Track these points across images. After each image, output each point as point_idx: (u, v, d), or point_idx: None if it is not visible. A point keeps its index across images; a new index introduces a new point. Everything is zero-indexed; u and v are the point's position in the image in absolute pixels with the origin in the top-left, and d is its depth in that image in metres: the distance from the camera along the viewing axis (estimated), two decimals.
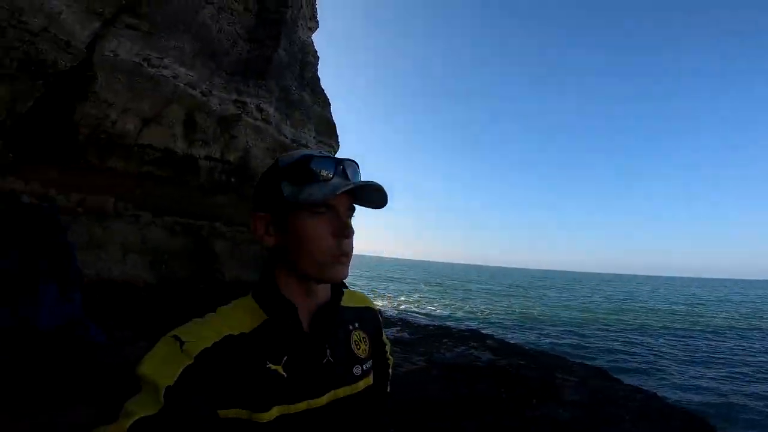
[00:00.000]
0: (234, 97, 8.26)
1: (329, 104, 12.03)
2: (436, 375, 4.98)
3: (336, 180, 0.79)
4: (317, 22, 11.35)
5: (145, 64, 5.86)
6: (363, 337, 0.95)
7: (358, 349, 0.92)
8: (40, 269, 2.72)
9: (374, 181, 0.80)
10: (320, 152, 0.82)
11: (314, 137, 10.88)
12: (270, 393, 0.76)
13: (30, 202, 2.94)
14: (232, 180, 8.23)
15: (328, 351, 0.85)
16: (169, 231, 5.07)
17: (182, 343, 0.68)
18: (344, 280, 0.90)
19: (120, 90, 5.45)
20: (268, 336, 0.79)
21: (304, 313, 0.85)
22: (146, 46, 5.82)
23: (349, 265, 0.83)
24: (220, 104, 7.91)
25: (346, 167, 0.82)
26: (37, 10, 4.32)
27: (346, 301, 0.95)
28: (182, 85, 6.72)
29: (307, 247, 0.79)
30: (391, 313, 15.45)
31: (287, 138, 9.91)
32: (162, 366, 0.65)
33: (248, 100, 8.46)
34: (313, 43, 11.55)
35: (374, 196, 0.83)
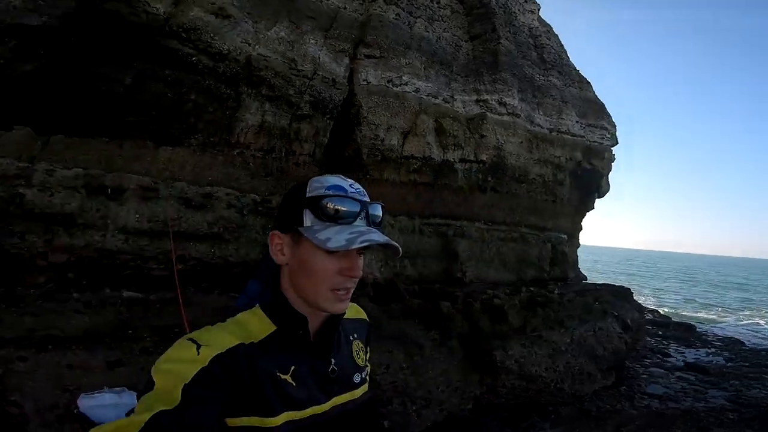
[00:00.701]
0: (474, 97, 8.33)
1: (589, 84, 10.57)
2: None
3: (358, 223, 0.84)
4: (536, 2, 10.67)
5: (390, 85, 6.76)
6: (361, 347, 1.02)
7: (358, 358, 0.99)
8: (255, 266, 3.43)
9: (391, 241, 0.83)
10: (351, 185, 0.88)
11: (578, 122, 9.67)
12: (279, 400, 0.81)
13: None
14: (489, 179, 8.23)
15: (333, 361, 0.91)
16: (418, 233, 5.40)
17: (198, 346, 0.74)
18: None
19: (380, 111, 6.47)
20: (277, 346, 0.85)
21: (312, 327, 0.90)
22: (386, 69, 6.75)
23: (348, 300, 0.87)
24: (463, 107, 8.18)
25: (370, 211, 0.87)
26: (305, 58, 5.36)
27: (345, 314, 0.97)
28: (425, 96, 7.34)
29: (313, 278, 0.85)
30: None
31: (543, 128, 9.16)
32: (179, 366, 0.71)
33: (488, 97, 8.39)
34: (542, 24, 10.85)
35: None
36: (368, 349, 1.08)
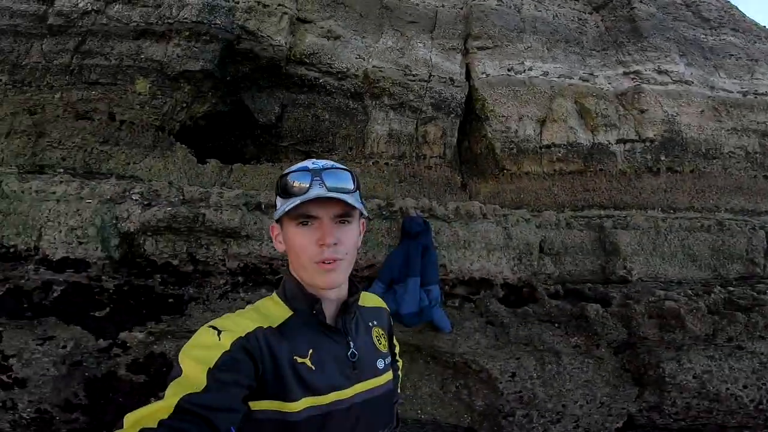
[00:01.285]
0: (620, 70, 7.10)
1: None
2: None
3: (313, 191, 0.85)
4: None
5: (512, 73, 6.29)
6: (382, 333, 1.03)
7: (380, 344, 0.99)
8: (411, 266, 3.39)
9: (331, 194, 0.84)
10: (314, 162, 0.90)
11: None
12: (298, 384, 0.83)
13: (415, 214, 3.80)
14: (662, 158, 6.77)
15: (351, 344, 0.91)
16: (564, 227, 4.69)
17: (219, 332, 0.79)
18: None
19: (507, 102, 6.09)
20: (294, 330, 0.87)
21: (327, 309, 0.92)
22: (503, 58, 6.31)
23: (339, 272, 0.87)
24: (608, 82, 7.03)
25: (324, 177, 0.87)
26: (417, 62, 5.46)
27: (362, 301, 1.01)
28: (556, 78, 6.58)
29: (295, 254, 0.88)
30: None
31: (731, 92, 7.31)
32: (203, 352, 0.75)
33: (639, 67, 7.03)
34: None
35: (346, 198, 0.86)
36: (394, 341, 1.09)
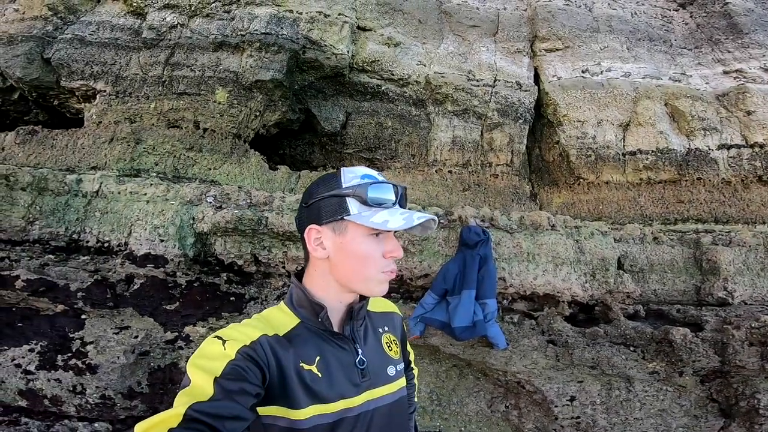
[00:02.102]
0: (719, 69, 6.31)
1: None
2: None
3: (397, 206, 0.88)
4: None
5: (587, 75, 5.85)
6: (393, 340, 1.00)
7: (390, 350, 0.97)
8: (467, 278, 3.23)
9: (434, 216, 0.90)
10: (378, 174, 0.93)
11: None
12: (305, 392, 0.83)
13: (475, 223, 3.66)
14: None
15: (359, 350, 0.91)
16: (651, 242, 4.17)
17: (224, 342, 0.80)
18: None
19: (582, 106, 5.69)
20: (301, 338, 0.88)
21: (334, 316, 0.92)
22: (576, 59, 5.91)
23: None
24: (705, 83, 6.26)
25: (403, 194, 0.91)
26: (481, 67, 5.37)
27: (371, 307, 1.01)
28: (640, 79, 6.05)
29: (359, 264, 0.88)
30: None
31: None
32: (209, 362, 0.76)
33: (742, 66, 6.20)
34: None
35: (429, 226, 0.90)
36: (407, 347, 1.09)
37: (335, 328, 0.93)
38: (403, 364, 1.00)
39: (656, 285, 3.88)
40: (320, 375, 0.86)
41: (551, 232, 3.79)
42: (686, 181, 5.74)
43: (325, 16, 5.02)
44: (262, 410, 0.81)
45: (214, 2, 4.98)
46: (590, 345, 3.02)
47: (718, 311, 3.53)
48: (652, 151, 5.74)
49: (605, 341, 3.04)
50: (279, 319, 0.92)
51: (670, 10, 7.44)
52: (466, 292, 3.26)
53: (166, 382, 2.81)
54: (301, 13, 4.93)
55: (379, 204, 0.88)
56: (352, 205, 0.87)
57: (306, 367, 0.86)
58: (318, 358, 0.88)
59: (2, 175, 3.07)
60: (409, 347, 1.12)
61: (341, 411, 0.86)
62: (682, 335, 2.99)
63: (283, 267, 3.51)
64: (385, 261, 0.88)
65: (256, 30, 4.61)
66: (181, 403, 0.70)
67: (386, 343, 0.99)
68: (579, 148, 5.54)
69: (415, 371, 1.16)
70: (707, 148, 5.87)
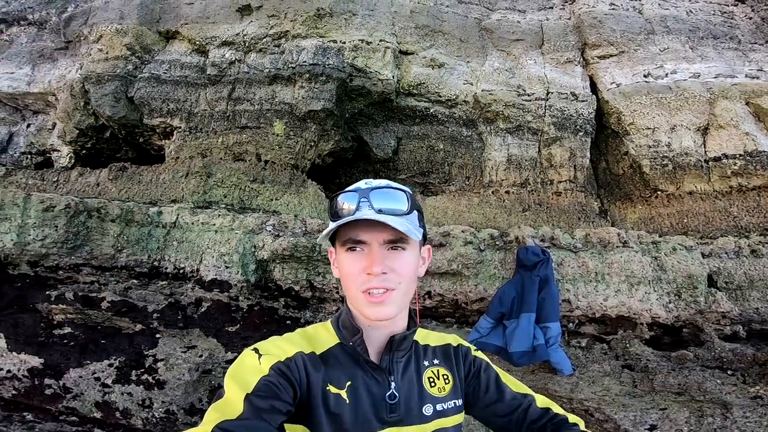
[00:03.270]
0: None
1: None
2: None
3: (358, 212, 0.80)
4: None
5: (650, 79, 5.54)
6: (443, 375, 0.91)
7: (433, 386, 0.88)
8: (525, 301, 3.10)
9: (377, 217, 0.78)
10: (366, 182, 0.86)
11: None
12: (327, 416, 0.81)
13: (533, 243, 3.54)
14: None
15: (392, 384, 0.85)
16: (749, 255, 3.66)
17: (260, 356, 0.80)
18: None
19: (650, 112, 5.34)
20: (336, 359, 0.85)
21: (374, 344, 0.88)
22: (634, 63, 5.60)
23: (389, 304, 0.81)
24: None
25: (372, 197, 0.82)
26: (530, 81, 5.35)
27: (425, 339, 0.94)
28: (712, 79, 5.62)
29: (345, 281, 0.84)
30: None
31: None
32: (243, 375, 0.76)
33: None
34: None
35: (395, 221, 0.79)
36: (463, 379, 0.94)
37: (372, 356, 0.88)
38: (454, 402, 0.90)
39: (758, 303, 3.46)
40: (347, 402, 0.83)
41: (623, 249, 3.57)
42: None
43: (367, 43, 5.26)
44: (289, 428, 0.80)
45: (264, 37, 5.40)
46: (676, 369, 2.74)
47: None
48: (740, 155, 5.23)
49: (695, 365, 2.75)
50: (321, 336, 0.91)
51: (728, 5, 6.98)
52: (525, 315, 3.15)
53: None
54: (344, 42, 5.21)
55: (339, 215, 0.83)
56: (330, 223, 0.85)
57: (333, 390, 0.84)
58: (349, 383, 0.85)
59: (94, 208, 3.57)
60: (507, 381, 0.96)
61: None
62: None
63: (337, 292, 3.63)
64: (364, 277, 0.81)
65: (305, 62, 4.93)
66: (210, 419, 0.70)
67: (429, 378, 0.90)
68: (652, 157, 5.21)
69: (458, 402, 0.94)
70: None
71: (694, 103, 5.54)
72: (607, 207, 5.40)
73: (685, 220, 4.89)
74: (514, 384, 0.96)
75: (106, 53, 5.23)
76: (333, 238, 0.88)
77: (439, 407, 0.88)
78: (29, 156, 5.68)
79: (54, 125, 5.58)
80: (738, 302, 3.37)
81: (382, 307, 0.81)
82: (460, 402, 0.90)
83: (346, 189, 0.86)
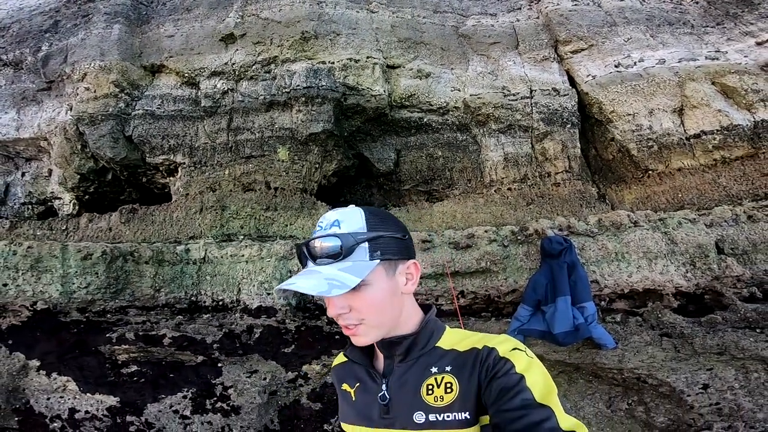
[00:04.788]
0: (751, 41, 6.47)
1: None
2: None
3: (304, 269, 0.92)
4: None
5: (621, 69, 6.07)
6: (447, 383, 0.87)
7: (430, 395, 0.86)
8: (558, 286, 3.39)
9: (289, 286, 0.86)
10: (321, 221, 0.94)
11: None
12: (344, 408, 1.01)
13: (554, 233, 3.86)
14: None
15: (383, 386, 0.92)
16: (746, 221, 4.08)
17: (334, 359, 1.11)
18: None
19: (627, 100, 5.76)
20: (353, 364, 1.03)
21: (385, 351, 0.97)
22: (604, 55, 6.12)
23: (362, 335, 0.89)
24: (744, 56, 6.32)
25: (309, 251, 0.91)
26: (513, 81, 5.75)
27: (450, 344, 0.93)
28: (676, 63, 6.20)
29: None
30: None
31: None
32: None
33: None
34: None
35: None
36: (475, 386, 0.85)
37: (377, 363, 1.01)
38: (456, 415, 0.84)
39: (765, 265, 3.82)
40: (353, 398, 1.00)
41: (635, 229, 3.88)
42: (764, 153, 5.66)
43: (355, 61, 5.50)
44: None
45: (254, 65, 5.53)
46: (710, 332, 3.02)
47: None
48: (717, 131, 5.75)
49: (726, 327, 3.04)
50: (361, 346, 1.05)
51: None
52: (561, 298, 3.39)
53: (292, 419, 3.08)
54: (333, 63, 5.43)
55: (301, 262, 0.95)
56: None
57: (346, 388, 1.03)
58: (357, 384, 1.00)
59: (128, 252, 3.60)
60: (530, 393, 0.79)
61: None
62: None
63: None
64: (335, 317, 0.92)
65: (298, 85, 5.10)
66: None
67: (429, 385, 0.88)
68: (638, 140, 5.64)
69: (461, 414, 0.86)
70: None
71: (666, 87, 6.05)
72: (604, 191, 5.76)
73: (680, 195, 5.30)
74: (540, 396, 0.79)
75: (94, 92, 5.20)
76: None
77: (432, 417, 0.85)
78: (30, 206, 5.54)
79: (50, 171, 5.46)
80: (747, 266, 3.72)
81: (359, 337, 0.90)
82: (465, 416, 0.83)
83: (308, 237, 1.02)
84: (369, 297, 0.89)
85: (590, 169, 5.94)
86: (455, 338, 0.95)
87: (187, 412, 3.03)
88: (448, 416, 0.84)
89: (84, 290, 3.41)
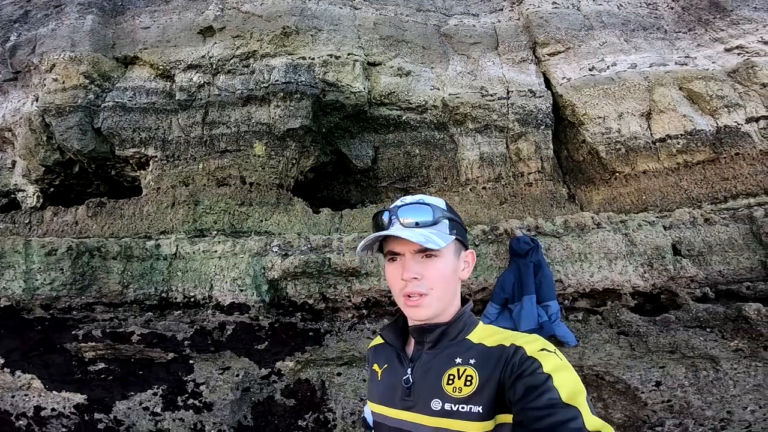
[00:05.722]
0: (719, 48, 6.66)
1: None
2: None
3: (391, 229, 0.96)
4: None
5: (595, 72, 6.25)
6: (468, 376, 0.88)
7: (449, 385, 0.89)
8: (524, 285, 3.52)
9: (397, 233, 0.92)
10: (401, 200, 1.02)
11: None
12: (370, 387, 1.08)
13: (522, 233, 3.98)
14: None
15: (409, 370, 0.96)
16: (703, 224, 4.31)
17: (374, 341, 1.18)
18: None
19: (598, 103, 5.91)
20: (386, 346, 1.08)
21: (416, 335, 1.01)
22: (580, 58, 6.27)
23: (424, 306, 0.93)
24: (713, 62, 6.57)
25: (398, 215, 0.97)
26: (491, 81, 5.82)
27: (480, 338, 0.96)
28: (647, 68, 6.40)
29: (390, 288, 1.00)
30: None
31: None
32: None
33: (740, 42, 6.58)
34: None
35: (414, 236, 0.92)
36: (496, 383, 0.85)
37: (408, 348, 1.04)
38: (472, 407, 0.85)
39: (720, 266, 4.03)
40: (380, 378, 1.05)
41: (598, 230, 4.03)
42: (724, 158, 5.93)
43: (336, 57, 5.49)
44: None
45: (232, 59, 5.46)
46: (664, 331, 3.19)
47: None
48: (681, 135, 5.98)
49: (679, 326, 3.21)
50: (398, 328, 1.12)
51: None
52: (527, 297, 3.52)
53: (266, 415, 3.13)
54: (313, 59, 5.40)
55: (378, 229, 0.99)
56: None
57: (375, 368, 1.08)
58: (386, 365, 1.05)
59: (95, 248, 3.55)
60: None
61: (381, 416, 1.00)
62: (755, 310, 3.15)
63: (350, 300, 3.83)
64: (401, 283, 0.94)
65: (277, 80, 5.06)
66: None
67: (450, 375, 0.90)
68: (607, 143, 5.82)
69: (476, 408, 0.86)
70: (736, 124, 6.07)
71: (635, 92, 6.24)
72: (574, 192, 5.93)
73: (644, 197, 5.51)
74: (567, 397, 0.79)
75: (63, 83, 5.05)
76: (382, 250, 1.05)
77: (448, 406, 0.86)
78: None
79: (14, 163, 5.29)
80: (702, 267, 3.91)
81: (419, 309, 0.94)
82: (479, 410, 0.84)
83: (385, 207, 1.04)
84: (441, 267, 0.95)
85: (562, 170, 6.10)
86: (485, 333, 0.97)
87: (158, 409, 3.04)
88: (462, 407, 0.85)
89: (48, 287, 3.36)
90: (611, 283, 3.70)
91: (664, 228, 4.06)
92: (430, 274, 0.93)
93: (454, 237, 1.00)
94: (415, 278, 0.92)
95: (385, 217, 0.98)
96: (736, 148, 5.90)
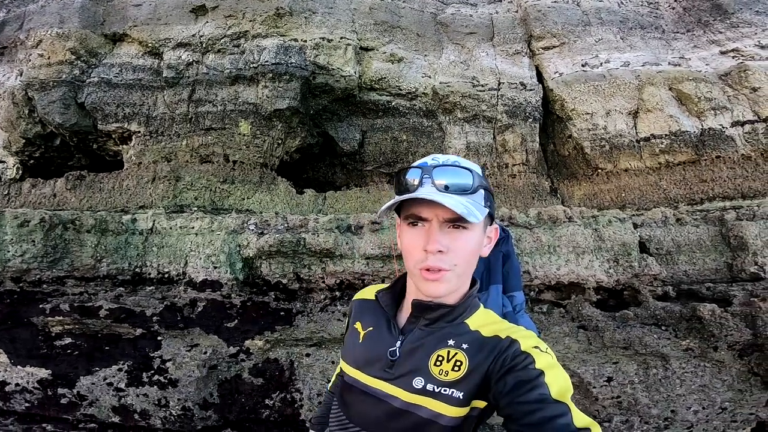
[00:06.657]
0: (715, 50, 6.62)
1: None
2: None
3: (421, 189, 0.82)
4: None
5: (587, 68, 6.19)
6: (457, 361, 0.84)
7: (437, 366, 0.85)
8: (492, 274, 3.57)
9: (433, 196, 0.77)
10: (436, 158, 0.86)
11: None
12: (347, 346, 1.00)
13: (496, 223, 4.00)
14: None
15: (398, 343, 0.90)
16: (674, 224, 4.36)
17: (355, 295, 1.14)
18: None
19: (588, 99, 5.96)
20: (373, 308, 1.02)
21: (408, 307, 0.96)
22: (574, 54, 6.22)
23: (443, 283, 0.82)
24: (706, 64, 6.53)
25: (435, 174, 0.82)
26: (483, 72, 5.79)
27: (478, 325, 0.90)
28: (640, 67, 6.36)
29: (404, 255, 0.88)
30: None
31: None
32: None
33: (737, 45, 6.52)
34: None
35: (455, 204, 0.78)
36: (483, 373, 0.83)
37: (402, 316, 0.97)
38: (455, 392, 0.84)
39: (686, 266, 4.10)
40: (360, 340, 0.97)
41: (569, 224, 4.08)
42: (705, 160, 5.96)
43: (329, 41, 5.45)
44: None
45: (222, 38, 5.42)
46: (621, 327, 3.28)
47: (747, 286, 3.72)
48: (666, 135, 5.99)
49: (636, 323, 3.30)
50: (382, 287, 1.08)
51: None
52: (494, 287, 3.57)
53: (233, 393, 3.21)
54: (305, 41, 5.37)
55: (402, 190, 0.86)
56: (394, 195, 0.88)
57: (358, 328, 0.99)
58: (371, 328, 0.97)
59: (69, 221, 3.57)
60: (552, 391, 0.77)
61: (353, 379, 0.93)
62: (710, 311, 3.23)
63: (323, 282, 3.89)
64: (422, 255, 0.84)
65: (267, 61, 5.04)
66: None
67: (439, 356, 0.87)
68: (592, 139, 5.82)
69: (457, 393, 0.84)
70: (721, 127, 6.08)
71: (625, 90, 6.22)
72: (557, 186, 5.98)
73: (623, 195, 5.55)
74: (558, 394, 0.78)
75: (48, 58, 5.03)
76: (399, 210, 0.91)
77: (430, 387, 0.84)
78: None
79: None
80: (668, 266, 3.98)
81: (437, 284, 0.84)
82: (459, 395, 0.83)
83: (414, 164, 0.89)
84: (470, 241, 0.86)
85: (547, 164, 6.12)
86: (484, 321, 0.93)
87: (122, 385, 3.11)
88: (445, 390, 0.83)
89: (19, 258, 3.38)
90: (576, 277, 3.77)
91: (634, 225, 4.12)
92: (457, 246, 0.84)
93: (487, 210, 0.91)
94: (441, 251, 0.83)
95: (415, 176, 0.85)
96: (717, 150, 5.93)
